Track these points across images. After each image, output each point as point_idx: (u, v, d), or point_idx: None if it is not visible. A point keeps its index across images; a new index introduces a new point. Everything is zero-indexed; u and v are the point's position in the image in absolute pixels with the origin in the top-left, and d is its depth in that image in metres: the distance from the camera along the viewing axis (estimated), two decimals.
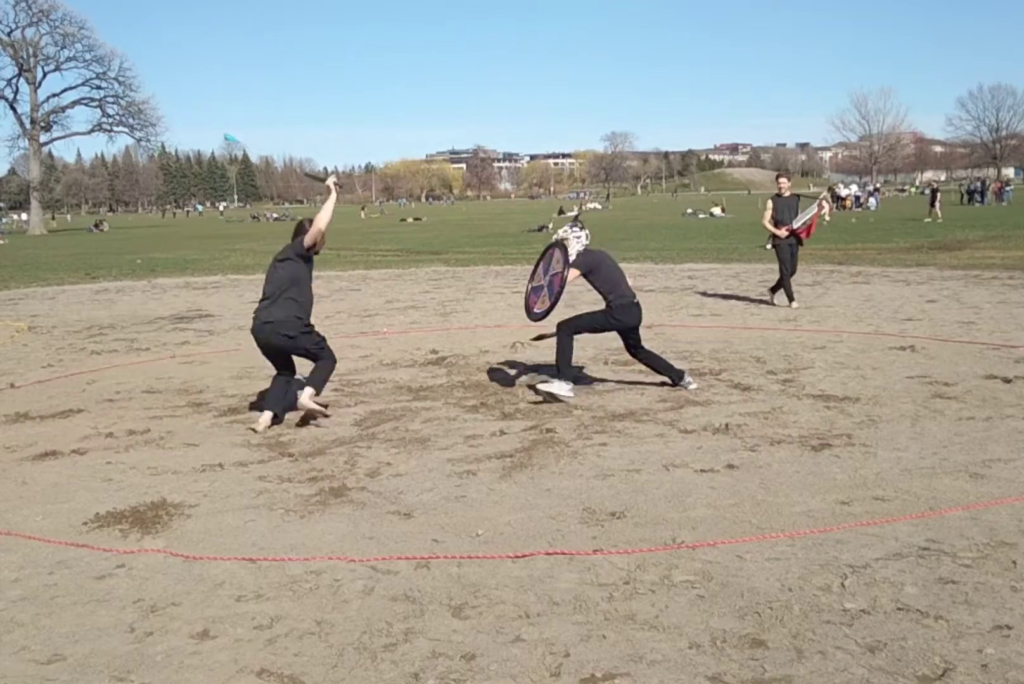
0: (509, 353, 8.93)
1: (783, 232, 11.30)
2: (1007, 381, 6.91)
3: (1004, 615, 3.25)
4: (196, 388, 7.75)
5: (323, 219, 6.21)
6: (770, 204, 11.58)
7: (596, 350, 8.94)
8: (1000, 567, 3.65)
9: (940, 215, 32.62)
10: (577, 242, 7.11)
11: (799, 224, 11.30)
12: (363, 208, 77.04)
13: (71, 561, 4.07)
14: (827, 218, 11.78)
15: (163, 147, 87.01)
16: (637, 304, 7.05)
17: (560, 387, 6.71)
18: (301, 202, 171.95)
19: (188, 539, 4.29)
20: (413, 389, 7.41)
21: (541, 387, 6.78)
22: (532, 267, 7.64)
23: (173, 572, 3.91)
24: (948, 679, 2.86)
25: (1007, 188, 53.72)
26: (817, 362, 7.96)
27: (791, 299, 11.50)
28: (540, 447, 5.60)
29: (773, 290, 11.87)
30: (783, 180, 11.71)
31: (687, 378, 7.04)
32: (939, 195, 35.11)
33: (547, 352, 8.89)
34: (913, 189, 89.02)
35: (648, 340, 9.36)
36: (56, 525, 4.53)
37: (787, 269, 11.47)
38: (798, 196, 11.74)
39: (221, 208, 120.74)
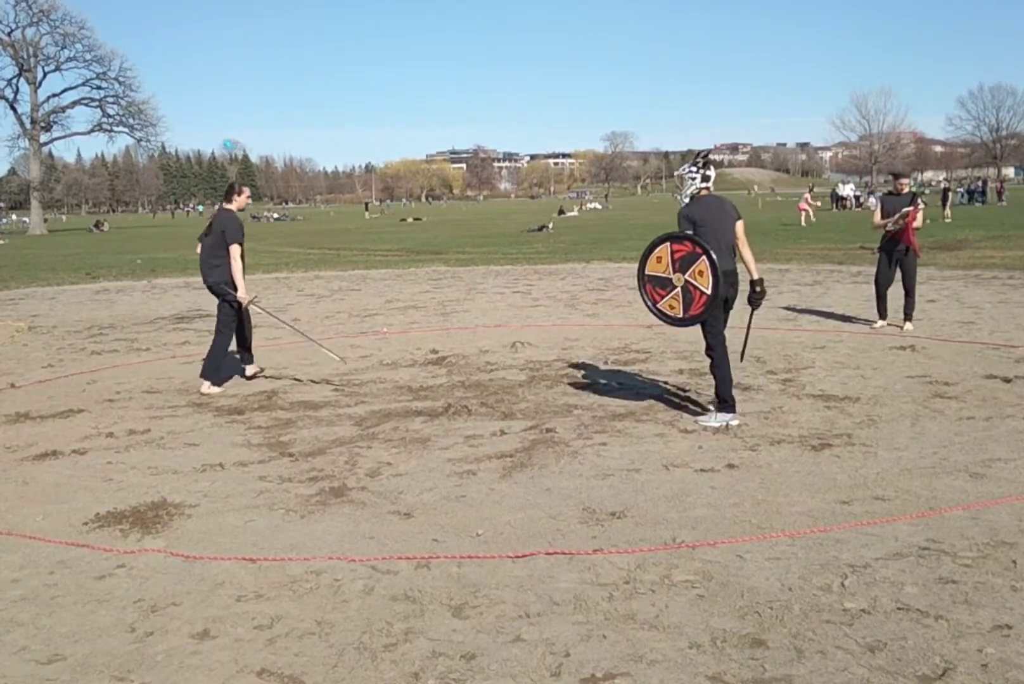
0: (509, 353, 8.93)
1: (879, 221, 9.67)
2: (1007, 381, 6.91)
3: (1004, 615, 3.25)
4: (196, 388, 7.74)
5: (236, 265, 7.59)
6: (879, 203, 10.10)
7: (596, 350, 8.94)
8: (1000, 567, 3.65)
9: (949, 215, 32.62)
10: (691, 184, 6.13)
11: (891, 225, 9.56)
12: (367, 208, 77.02)
13: (71, 561, 4.07)
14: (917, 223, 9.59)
15: (163, 147, 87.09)
16: (733, 276, 6.05)
17: (722, 417, 5.99)
18: (300, 202, 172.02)
19: (188, 539, 4.29)
20: (413, 389, 7.41)
21: (704, 422, 6.00)
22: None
23: (173, 572, 3.91)
24: (948, 679, 2.86)
25: None
26: (817, 362, 7.96)
27: (881, 315, 9.86)
28: (540, 447, 5.60)
29: (905, 316, 9.74)
30: (903, 180, 9.91)
31: (731, 415, 6.00)
32: (949, 195, 35.14)
33: (547, 351, 8.90)
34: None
35: (649, 340, 9.39)
36: (56, 525, 4.53)
37: (882, 279, 9.80)
38: (914, 194, 9.80)
39: (201, 209, 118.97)
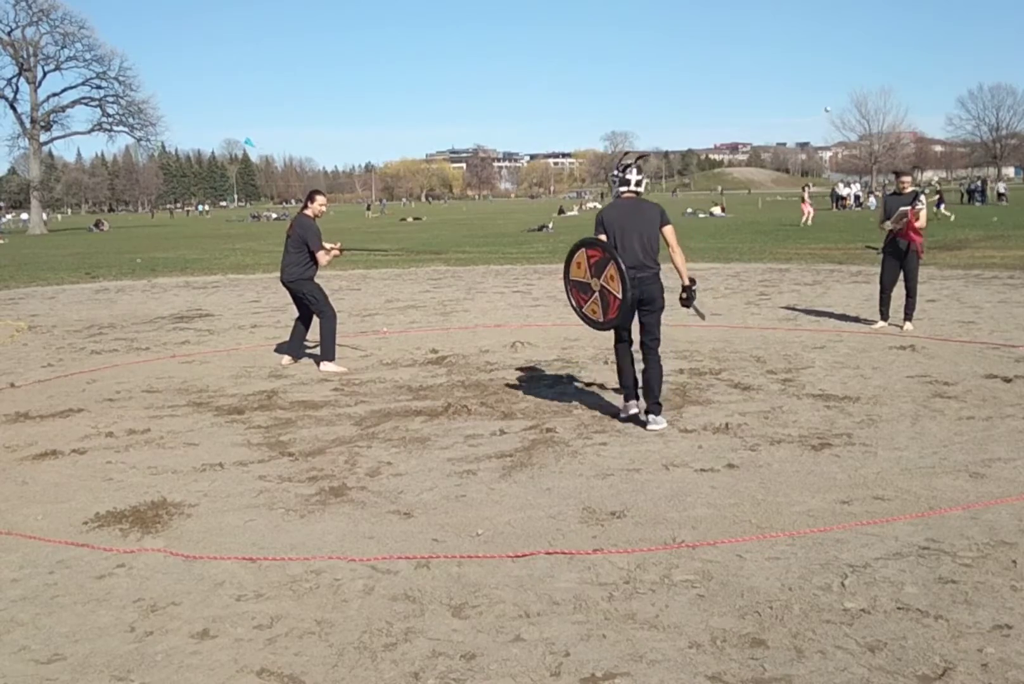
0: (509, 353, 8.93)
1: (881, 224, 9.67)
2: (1007, 381, 6.91)
3: (1004, 615, 3.25)
4: (196, 388, 7.75)
5: (323, 260, 8.47)
6: (882, 203, 10.05)
7: (596, 350, 8.93)
8: (1000, 567, 3.66)
9: (947, 213, 32.65)
10: (614, 187, 6.15)
11: (890, 224, 9.47)
12: (368, 207, 76.96)
13: (71, 561, 4.07)
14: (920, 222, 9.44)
15: (163, 147, 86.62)
16: (639, 279, 5.86)
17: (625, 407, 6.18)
18: (300, 202, 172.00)
19: (188, 539, 4.29)
20: (413, 389, 7.41)
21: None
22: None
23: (173, 572, 3.91)
24: (948, 679, 2.86)
25: None
26: (817, 362, 7.96)
27: (883, 316, 9.82)
28: (540, 447, 5.60)
29: (906, 316, 9.71)
30: (906, 178, 9.69)
31: (659, 419, 5.93)
32: (942, 194, 35.25)
33: (547, 351, 8.90)
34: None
35: None
36: (56, 525, 4.53)
37: (885, 279, 9.75)
38: (916, 193, 9.61)
39: (203, 209, 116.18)
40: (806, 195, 35.55)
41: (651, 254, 5.94)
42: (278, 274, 8.83)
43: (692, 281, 6.11)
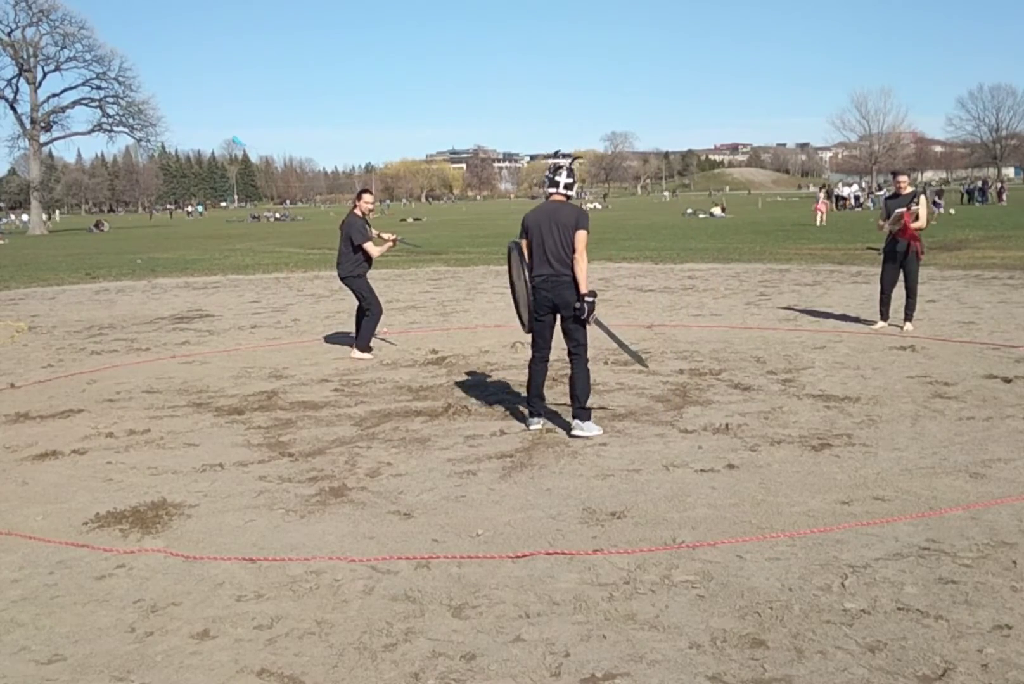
0: (509, 353, 8.93)
1: (880, 223, 9.72)
2: (1007, 381, 6.91)
3: (1004, 615, 3.25)
4: (196, 388, 7.75)
5: (374, 252, 9.05)
6: (882, 205, 10.06)
7: (596, 350, 8.93)
8: (1000, 567, 3.66)
9: (951, 211, 33.12)
10: (544, 189, 5.97)
11: (888, 225, 9.50)
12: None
13: (71, 561, 4.07)
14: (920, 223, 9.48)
15: (163, 147, 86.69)
16: (552, 282, 5.74)
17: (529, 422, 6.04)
18: (301, 201, 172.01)
19: (188, 539, 4.29)
20: (413, 389, 7.41)
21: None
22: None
23: (173, 572, 3.91)
24: (948, 679, 2.86)
25: None
26: (817, 362, 7.96)
27: (883, 316, 9.79)
28: (540, 447, 5.60)
29: (906, 316, 9.68)
30: (902, 178, 9.69)
31: (590, 425, 5.79)
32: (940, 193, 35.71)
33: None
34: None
35: (648, 340, 9.39)
36: (56, 525, 4.53)
37: (885, 280, 9.73)
38: (914, 193, 9.57)
39: (195, 210, 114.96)
40: (822, 195, 36.17)
41: (565, 260, 5.72)
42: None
43: (590, 293, 5.74)
